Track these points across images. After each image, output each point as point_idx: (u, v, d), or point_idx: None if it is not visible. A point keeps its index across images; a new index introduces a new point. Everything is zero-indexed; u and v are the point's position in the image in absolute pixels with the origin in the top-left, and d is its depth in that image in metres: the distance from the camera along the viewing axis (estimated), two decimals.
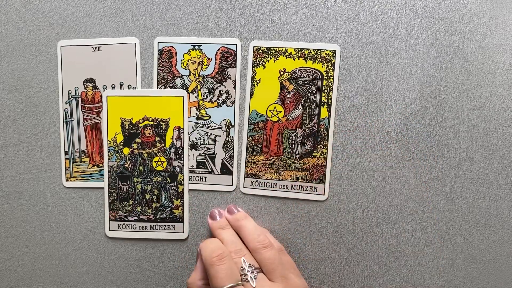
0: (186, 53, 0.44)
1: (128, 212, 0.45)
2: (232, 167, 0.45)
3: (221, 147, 0.45)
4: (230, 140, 0.45)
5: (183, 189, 0.45)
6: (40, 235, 0.46)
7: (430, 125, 0.43)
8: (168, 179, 0.45)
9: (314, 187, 0.44)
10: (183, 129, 0.45)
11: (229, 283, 0.37)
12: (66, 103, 0.45)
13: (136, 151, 0.45)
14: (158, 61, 0.44)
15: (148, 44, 0.44)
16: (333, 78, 0.43)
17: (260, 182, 0.45)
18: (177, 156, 0.45)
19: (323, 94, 0.44)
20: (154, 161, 0.45)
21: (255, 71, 0.44)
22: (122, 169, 0.45)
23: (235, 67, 0.44)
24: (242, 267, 0.38)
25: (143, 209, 0.45)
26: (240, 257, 0.39)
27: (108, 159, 0.45)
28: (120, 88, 0.44)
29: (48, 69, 0.44)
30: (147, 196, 0.45)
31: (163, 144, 0.45)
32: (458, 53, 0.43)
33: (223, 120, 0.45)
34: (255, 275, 0.38)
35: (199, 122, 0.45)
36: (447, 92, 0.43)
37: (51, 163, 0.45)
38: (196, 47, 0.44)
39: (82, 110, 0.45)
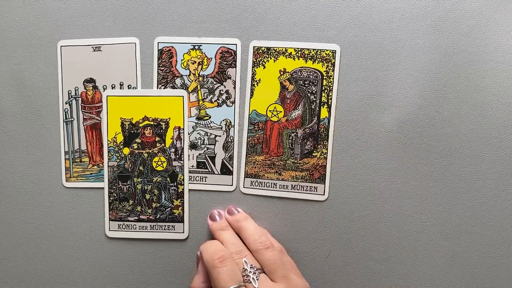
0: (186, 53, 0.44)
1: (128, 212, 0.45)
2: (232, 167, 0.45)
3: (221, 147, 0.45)
4: (230, 140, 0.45)
5: (183, 189, 0.45)
6: (40, 235, 0.46)
7: (430, 125, 0.43)
8: (168, 179, 0.45)
9: (314, 187, 0.44)
10: (183, 129, 0.45)
11: (232, 284, 0.37)
12: (66, 103, 0.45)
13: (136, 151, 0.45)
14: (158, 61, 0.44)
15: (148, 44, 0.44)
16: (333, 78, 0.43)
17: (260, 182, 0.45)
18: (177, 156, 0.45)
19: (323, 94, 0.44)
20: (154, 161, 0.45)
21: (255, 71, 0.44)
22: (122, 169, 0.45)
23: (235, 67, 0.44)
24: (244, 268, 0.38)
25: (143, 209, 0.45)
26: (242, 258, 0.39)
27: (108, 159, 0.45)
28: (120, 88, 0.44)
29: (48, 69, 0.44)
30: (147, 196, 0.45)
31: (163, 144, 0.45)
32: (458, 53, 0.43)
33: (223, 120, 0.45)
34: (257, 276, 0.38)
35: (199, 122, 0.45)
36: (447, 92, 0.43)
37: (51, 163, 0.45)
38: (196, 47, 0.44)
39: (82, 110, 0.45)
